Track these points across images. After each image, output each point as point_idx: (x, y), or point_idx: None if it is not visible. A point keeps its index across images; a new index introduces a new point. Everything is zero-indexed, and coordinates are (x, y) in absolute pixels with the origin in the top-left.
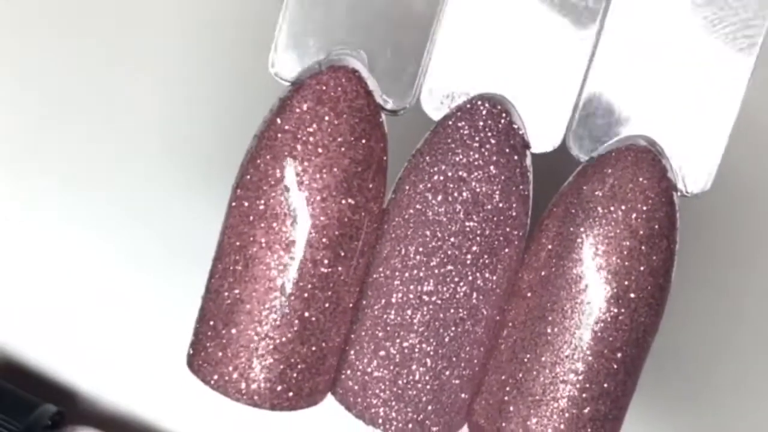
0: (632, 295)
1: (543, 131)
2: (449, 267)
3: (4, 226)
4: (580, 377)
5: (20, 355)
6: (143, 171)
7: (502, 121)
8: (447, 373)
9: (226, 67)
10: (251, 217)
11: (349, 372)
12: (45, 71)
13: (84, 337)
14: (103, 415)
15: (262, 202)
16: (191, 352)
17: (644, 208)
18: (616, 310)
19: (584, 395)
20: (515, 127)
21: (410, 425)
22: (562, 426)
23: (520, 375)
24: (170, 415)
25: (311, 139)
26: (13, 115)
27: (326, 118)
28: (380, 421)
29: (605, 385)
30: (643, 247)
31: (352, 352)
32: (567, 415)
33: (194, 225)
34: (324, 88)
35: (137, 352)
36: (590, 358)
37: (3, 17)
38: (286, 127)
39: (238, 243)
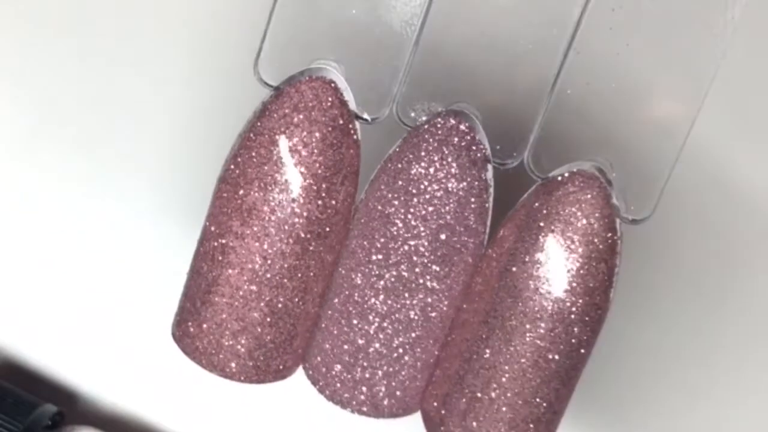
0: (566, 312)
1: (507, 147)
2: (405, 266)
3: (4, 226)
4: (516, 381)
5: (20, 355)
6: (144, 171)
7: (466, 137)
8: (401, 361)
9: (220, 69)
10: (229, 209)
11: (315, 351)
12: (40, 69)
13: (84, 337)
14: (103, 415)
15: (239, 196)
16: (175, 323)
17: (585, 231)
18: (551, 324)
19: (518, 398)
20: (478, 142)
21: (365, 406)
22: (498, 423)
23: (463, 372)
24: (170, 415)
25: (285, 143)
26: (12, 113)
27: (300, 125)
28: (339, 398)
29: (539, 391)
30: (580, 269)
31: (319, 334)
32: (501, 414)
33: (197, 223)
34: (301, 96)
35: (138, 352)
36: (525, 364)
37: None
38: (264, 130)
39: (217, 231)
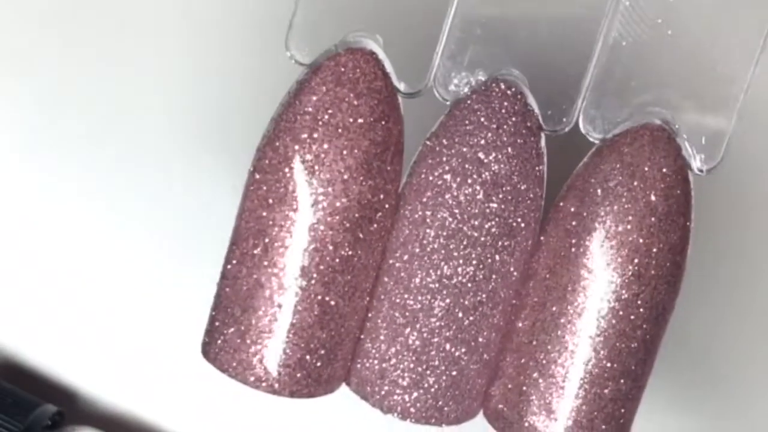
0: (652, 272)
1: (556, 113)
2: (469, 249)
3: (3, 226)
4: (602, 357)
5: (20, 355)
6: (151, 165)
7: (518, 102)
8: (465, 358)
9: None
10: (270, 200)
11: (365, 360)
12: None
13: (84, 337)
14: (103, 415)
15: (282, 185)
16: (207, 340)
17: (662, 185)
18: (636, 288)
19: (606, 374)
20: (530, 108)
21: (429, 412)
22: (584, 406)
23: (541, 357)
24: (170, 415)
25: (332, 120)
26: (11, 110)
27: (346, 99)
28: (399, 409)
29: (626, 364)
30: (662, 225)
31: (368, 340)
32: (589, 395)
33: (195, 223)
34: (343, 69)
35: (137, 352)
36: (612, 337)
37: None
38: (306, 109)
39: (256, 227)
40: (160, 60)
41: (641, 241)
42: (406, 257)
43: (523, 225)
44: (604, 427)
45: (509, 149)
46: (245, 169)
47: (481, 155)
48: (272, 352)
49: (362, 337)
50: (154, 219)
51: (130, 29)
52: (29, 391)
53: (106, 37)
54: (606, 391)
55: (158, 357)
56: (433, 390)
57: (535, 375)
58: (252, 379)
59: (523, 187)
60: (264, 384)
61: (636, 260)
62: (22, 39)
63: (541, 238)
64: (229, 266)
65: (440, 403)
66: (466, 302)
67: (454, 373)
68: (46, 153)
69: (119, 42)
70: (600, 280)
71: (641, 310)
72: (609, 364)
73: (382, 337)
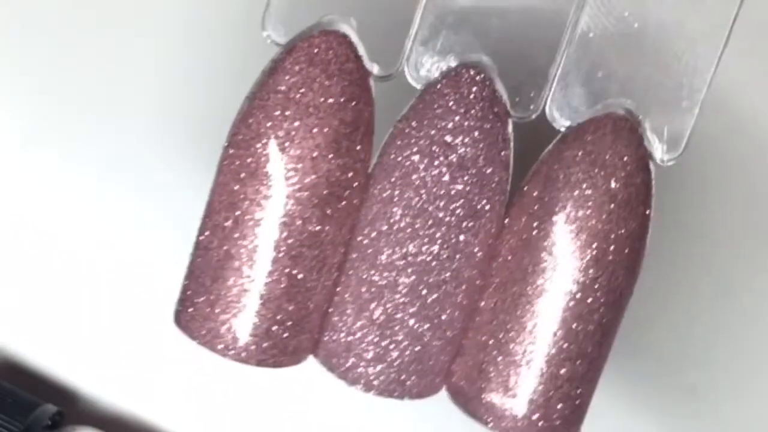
0: (610, 258)
1: (524, 100)
2: (434, 229)
3: (3, 226)
4: (559, 338)
5: (20, 355)
6: (151, 165)
7: (486, 88)
8: (429, 334)
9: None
10: (242, 175)
11: (332, 333)
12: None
13: (84, 337)
14: (103, 415)
15: (254, 160)
16: (178, 308)
17: (622, 174)
18: (594, 272)
19: (562, 355)
20: (498, 94)
21: (392, 386)
22: (540, 386)
23: (500, 336)
24: (170, 415)
25: (303, 99)
26: (9, 107)
27: (318, 79)
28: (363, 381)
29: (582, 346)
30: (621, 212)
31: (335, 313)
32: (546, 375)
33: (195, 223)
34: (316, 50)
35: (137, 352)
36: (569, 319)
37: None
38: (279, 88)
39: (228, 200)
40: (155, 60)
41: (600, 226)
42: (373, 234)
43: (488, 207)
44: (559, 405)
45: (476, 133)
46: None
47: (448, 138)
48: (240, 321)
49: (330, 310)
50: (154, 219)
51: (126, 29)
52: (29, 391)
53: (102, 37)
54: (562, 371)
55: (158, 357)
56: (396, 364)
57: (495, 353)
58: (220, 347)
59: (488, 171)
60: (231, 352)
61: (594, 245)
62: (17, 39)
63: (506, 220)
64: (201, 237)
65: (403, 377)
66: (431, 280)
67: (417, 348)
68: (45, 153)
69: (115, 41)
70: (559, 263)
71: (598, 294)
72: (566, 345)
73: (348, 311)
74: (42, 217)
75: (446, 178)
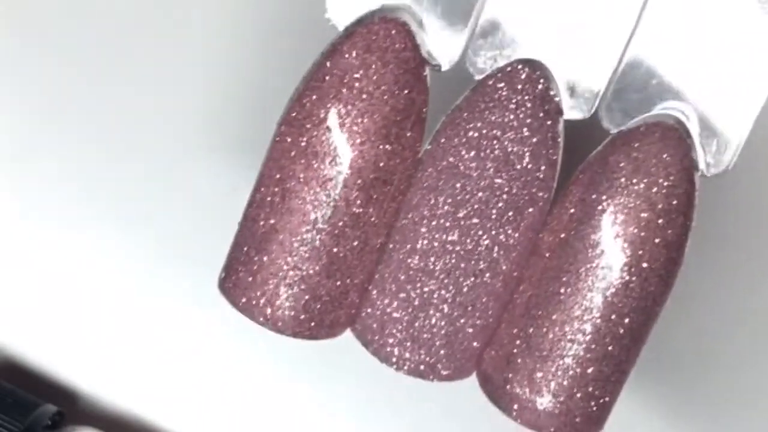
0: (644, 265)
1: (578, 100)
2: (475, 220)
3: (3, 226)
4: (587, 338)
5: (20, 355)
6: (151, 166)
7: (539, 86)
8: (462, 320)
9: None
10: (292, 153)
11: (369, 310)
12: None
13: (84, 337)
14: (103, 415)
15: (305, 139)
16: (223, 275)
17: (665, 183)
18: (627, 278)
19: (589, 355)
20: (551, 93)
21: (422, 366)
22: (565, 382)
23: (531, 330)
24: (170, 415)
25: (356, 84)
26: (14, 106)
27: (373, 66)
28: (394, 359)
29: (610, 348)
30: (660, 220)
31: (374, 291)
32: (571, 372)
33: (195, 224)
34: (374, 37)
35: (137, 352)
36: (598, 320)
37: None
38: (334, 71)
39: (278, 176)
40: (158, 60)
41: (637, 233)
42: (415, 219)
43: (530, 203)
44: (583, 404)
45: (525, 130)
46: (245, 170)
47: (497, 132)
48: (279, 294)
49: (370, 287)
50: (154, 219)
51: (129, 29)
52: (29, 391)
53: (104, 37)
54: (589, 371)
55: (158, 357)
56: (427, 346)
57: (524, 346)
58: (258, 316)
59: (534, 168)
60: (269, 322)
61: (630, 251)
62: (19, 40)
63: (548, 218)
64: (249, 209)
65: (433, 360)
66: (467, 269)
67: (449, 333)
68: (46, 153)
69: (117, 42)
70: (594, 266)
71: (629, 299)
72: (593, 346)
73: (386, 292)
74: (42, 217)
75: (491, 171)
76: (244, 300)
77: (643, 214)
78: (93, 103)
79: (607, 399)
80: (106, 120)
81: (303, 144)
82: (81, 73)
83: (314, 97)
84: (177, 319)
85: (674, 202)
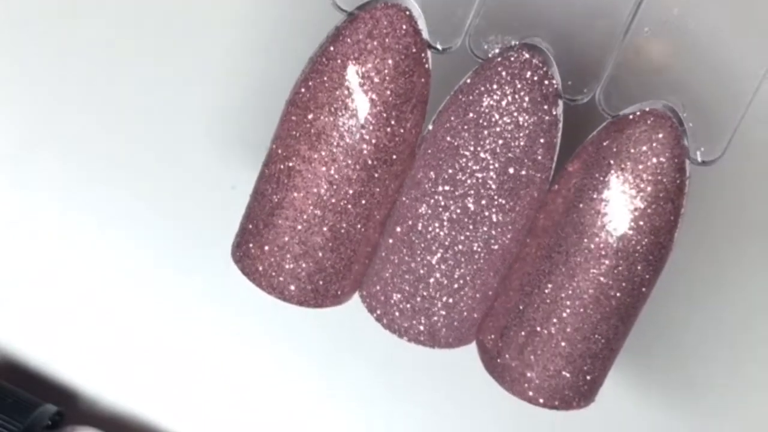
0: (631, 249)
1: (578, 83)
2: (472, 199)
3: (3, 226)
4: (576, 316)
5: (20, 355)
6: (151, 166)
7: (539, 71)
8: (461, 293)
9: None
10: (297, 133)
11: (374, 279)
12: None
13: (84, 337)
14: (103, 415)
15: (308, 120)
16: (235, 243)
17: (655, 170)
18: (615, 261)
19: (577, 333)
20: (550, 76)
21: (422, 336)
22: (554, 358)
23: (523, 305)
24: (170, 415)
25: (359, 69)
26: (14, 106)
27: (374, 51)
28: (396, 327)
29: (598, 327)
30: (648, 206)
31: (378, 262)
32: (559, 348)
33: (195, 224)
34: (376, 23)
35: (137, 352)
36: (587, 300)
37: None
38: (337, 55)
39: (284, 154)
40: (159, 59)
41: (626, 218)
42: (417, 195)
43: (527, 184)
44: (571, 379)
45: (523, 114)
46: (244, 170)
47: (495, 115)
48: (285, 265)
49: (375, 258)
50: (154, 219)
51: (130, 29)
52: (29, 391)
53: (107, 37)
54: (577, 347)
55: (158, 357)
56: (427, 315)
57: (517, 320)
58: (266, 286)
59: (531, 150)
60: (276, 291)
61: (618, 235)
62: (24, 38)
63: (545, 199)
64: (259, 183)
65: (434, 328)
66: (465, 244)
67: (449, 304)
68: (46, 152)
69: (118, 41)
70: (583, 247)
71: (617, 281)
72: (581, 325)
73: (389, 264)
74: (41, 217)
75: (488, 153)
76: (253, 270)
77: (633, 200)
78: (94, 102)
79: (596, 374)
80: (107, 119)
81: (307, 125)
82: (82, 73)
83: (318, 79)
84: (177, 319)
85: (663, 189)
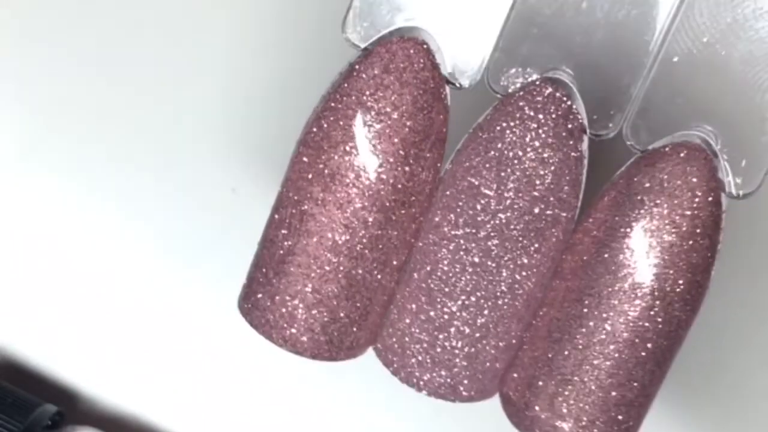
0: (669, 289)
1: (603, 118)
2: (495, 241)
3: (3, 226)
4: (610, 362)
5: (20, 355)
6: (151, 166)
7: (563, 105)
8: (483, 342)
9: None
10: (310, 175)
11: (390, 330)
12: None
13: (84, 337)
14: (103, 415)
15: (322, 161)
16: (243, 295)
17: (690, 205)
18: (651, 302)
19: (611, 380)
20: (575, 111)
21: (443, 388)
22: (587, 407)
23: (552, 354)
24: (170, 415)
25: (375, 105)
26: (18, 106)
27: (391, 87)
28: (414, 381)
29: (633, 373)
30: (684, 243)
31: (395, 311)
32: (593, 397)
33: (195, 224)
34: (392, 57)
35: (137, 352)
36: (621, 345)
37: None
38: (352, 92)
39: (295, 197)
40: (161, 62)
41: (661, 257)
42: (436, 240)
43: (553, 224)
44: (606, 429)
45: (547, 150)
46: (244, 173)
47: (519, 152)
48: (298, 316)
49: (392, 308)
50: (155, 220)
51: (134, 32)
52: (29, 391)
53: (109, 38)
54: (612, 394)
55: (159, 357)
56: (448, 368)
57: (546, 369)
58: (278, 338)
59: (556, 188)
60: (288, 344)
61: (653, 275)
62: (28, 41)
63: (571, 239)
64: (268, 230)
65: (454, 381)
66: (489, 290)
67: (470, 355)
68: (47, 153)
69: (121, 44)
70: (617, 289)
71: (653, 323)
72: (616, 371)
73: (406, 313)
74: (42, 217)
75: (512, 192)
76: (262, 321)
77: (668, 237)
78: (94, 102)
79: (631, 424)
80: (109, 121)
81: (320, 166)
82: (82, 73)
83: (331, 118)
84: (177, 319)
85: (699, 225)
